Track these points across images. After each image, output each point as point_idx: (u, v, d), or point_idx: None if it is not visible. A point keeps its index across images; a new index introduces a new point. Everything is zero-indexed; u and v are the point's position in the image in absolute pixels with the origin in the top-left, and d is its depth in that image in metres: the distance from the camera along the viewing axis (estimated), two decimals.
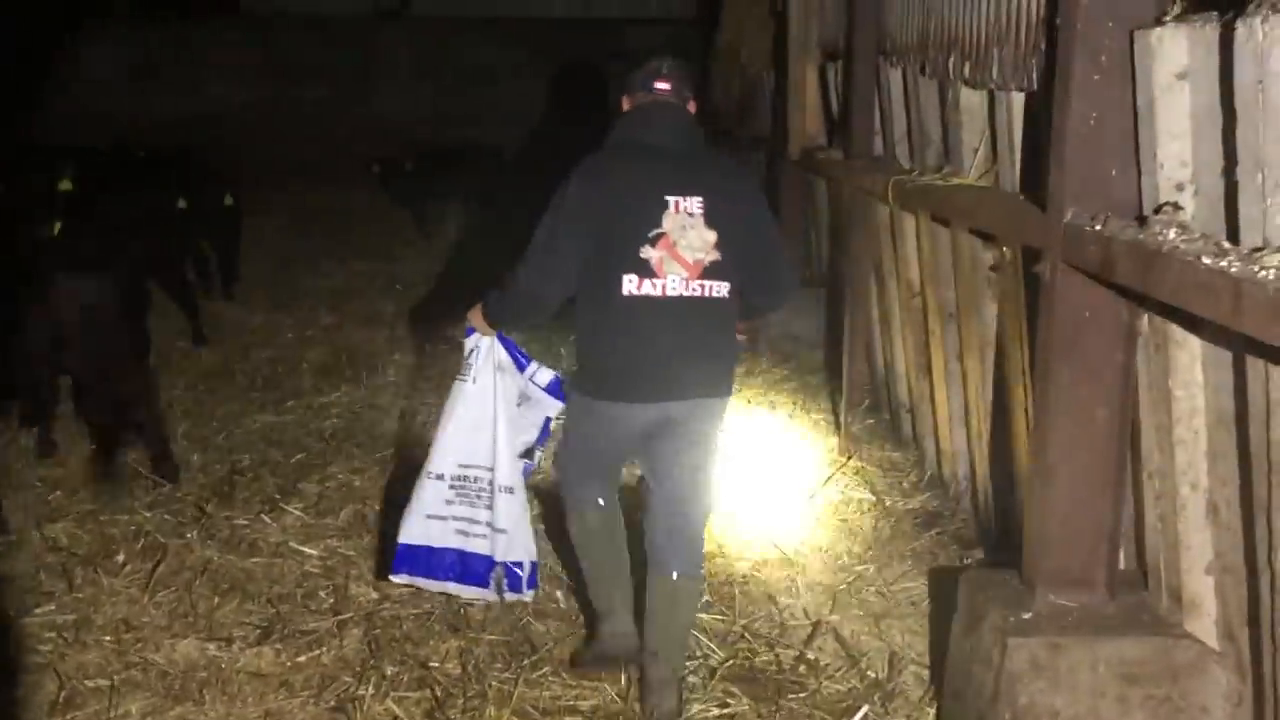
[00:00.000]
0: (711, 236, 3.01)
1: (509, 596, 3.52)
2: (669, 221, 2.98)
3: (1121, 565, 3.06)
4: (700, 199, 3.00)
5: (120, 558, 4.13)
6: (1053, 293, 2.81)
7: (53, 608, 3.78)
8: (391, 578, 3.59)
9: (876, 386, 5.77)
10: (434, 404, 5.93)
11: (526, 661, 3.54)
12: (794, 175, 6.56)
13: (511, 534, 3.42)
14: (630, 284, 2.98)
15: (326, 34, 13.09)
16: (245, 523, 4.46)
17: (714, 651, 3.64)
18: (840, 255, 5.60)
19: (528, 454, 3.50)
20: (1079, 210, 2.73)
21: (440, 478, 3.44)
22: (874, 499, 4.78)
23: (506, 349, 3.40)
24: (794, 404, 5.99)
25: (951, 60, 3.87)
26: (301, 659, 3.53)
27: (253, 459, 5.21)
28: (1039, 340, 2.91)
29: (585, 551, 3.46)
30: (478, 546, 3.46)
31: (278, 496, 4.74)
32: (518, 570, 3.45)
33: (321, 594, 3.95)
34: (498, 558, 3.45)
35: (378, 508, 4.63)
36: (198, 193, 7.81)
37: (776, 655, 3.64)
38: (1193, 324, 2.58)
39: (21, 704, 3.25)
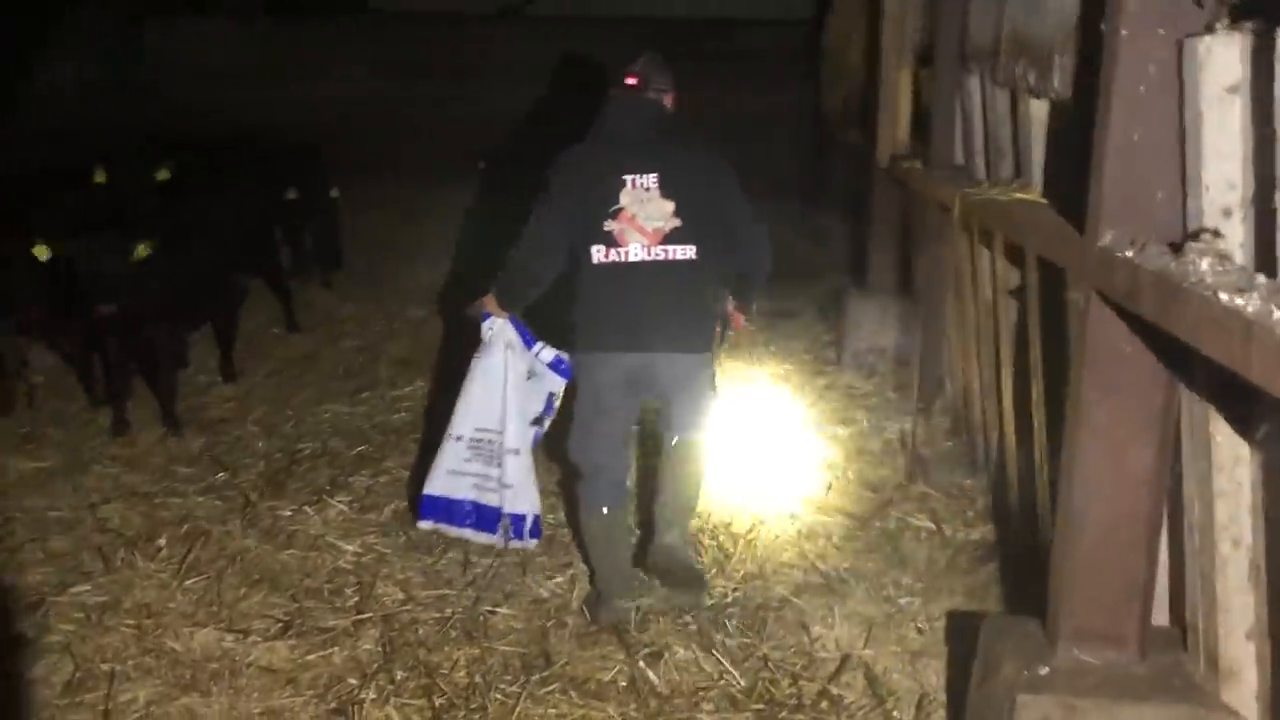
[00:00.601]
0: (669, 206, 3.48)
1: (514, 543, 4.00)
2: (626, 197, 3.48)
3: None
4: (655, 175, 3.48)
5: (161, 542, 4.21)
6: (1086, 322, 2.58)
7: (87, 588, 3.87)
8: (419, 524, 4.13)
9: (956, 408, 5.50)
10: None
11: (537, 676, 3.46)
12: (884, 183, 6.32)
13: (517, 489, 3.92)
14: (599, 254, 3.51)
15: (448, 31, 13.25)
16: (289, 513, 4.50)
17: (734, 679, 3.50)
18: (920, 269, 5.36)
19: (537, 422, 4.02)
20: (1118, 234, 2.50)
21: (459, 439, 3.99)
22: (933, 527, 4.54)
23: (517, 330, 3.92)
24: (868, 422, 5.75)
25: (1019, 67, 3.62)
26: (312, 657, 3.52)
27: (314, 449, 5.26)
28: (1071, 373, 2.67)
29: (591, 541, 3.86)
30: (489, 499, 3.99)
31: (327, 488, 4.77)
32: (521, 521, 3.96)
33: (348, 591, 3.95)
34: (505, 509, 3.94)
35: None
36: (307, 185, 8.01)
37: (799, 688, 3.47)
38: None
39: (36, 683, 3.32)
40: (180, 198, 6.57)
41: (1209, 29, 2.33)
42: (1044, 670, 2.64)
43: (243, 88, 12.74)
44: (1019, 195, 3.65)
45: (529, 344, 3.93)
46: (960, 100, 4.74)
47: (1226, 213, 2.32)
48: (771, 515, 4.60)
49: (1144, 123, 2.46)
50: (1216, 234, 2.25)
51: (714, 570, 4.17)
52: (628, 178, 3.48)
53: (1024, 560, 4.15)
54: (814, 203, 10.09)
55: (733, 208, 3.61)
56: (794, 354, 6.93)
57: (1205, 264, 2.15)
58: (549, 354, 3.93)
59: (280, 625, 3.70)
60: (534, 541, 4.07)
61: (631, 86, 3.66)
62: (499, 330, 3.88)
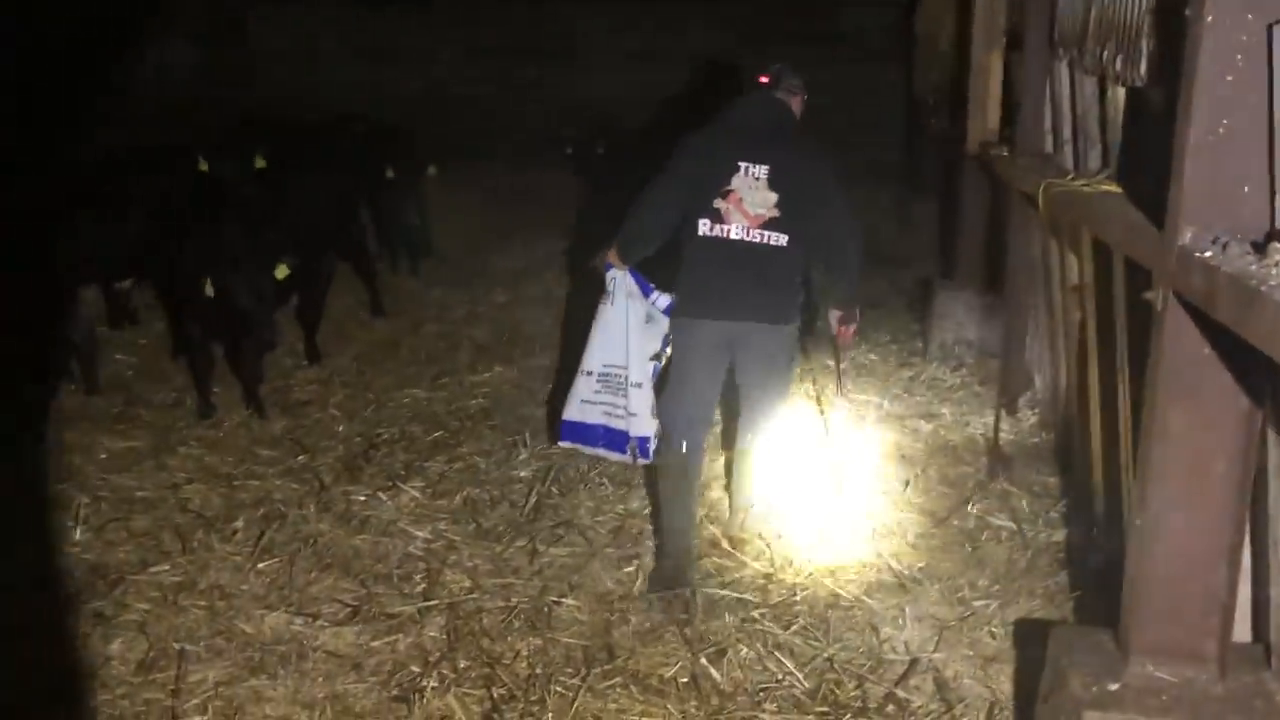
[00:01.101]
0: (773, 197, 3.86)
1: (641, 461, 4.35)
2: (737, 181, 3.87)
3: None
4: (767, 167, 3.86)
5: (239, 524, 4.30)
6: (1164, 325, 2.45)
7: (166, 567, 3.98)
8: (560, 444, 4.51)
9: (1044, 404, 5.33)
10: None
11: (598, 670, 3.45)
12: (973, 170, 6.13)
13: (640, 416, 4.27)
14: (704, 226, 3.90)
15: (540, 15, 13.28)
16: (364, 498, 4.56)
17: (798, 680, 3.44)
18: (1007, 260, 5.20)
19: (655, 358, 4.36)
20: (1199, 232, 2.37)
21: (590, 374, 4.39)
22: (1014, 527, 4.41)
23: (635, 280, 4.28)
24: (954, 416, 5.60)
25: (1106, 53, 3.46)
26: (378, 643, 3.56)
27: (391, 434, 5.33)
28: (1148, 378, 2.55)
29: (662, 489, 4.12)
30: (618, 424, 4.34)
31: (402, 473, 4.83)
32: (645, 442, 4.27)
33: (416, 578, 3.99)
34: (631, 433, 4.29)
35: (492, 493, 4.65)
36: (400, 168, 8.14)
37: (864, 691, 3.40)
38: None
39: (111, 660, 3.42)
40: (273, 183, 6.72)
41: None
42: (1114, 686, 2.53)
43: (338, 72, 12.99)
44: (1104, 187, 3.49)
45: (646, 292, 4.30)
46: (1050, 87, 4.57)
47: None
48: (847, 510, 4.52)
49: (1229, 113, 2.32)
50: None
51: (781, 564, 4.11)
52: (742, 164, 3.86)
53: (1107, 566, 4.00)
54: (909, 189, 9.88)
55: (829, 208, 3.93)
56: (880, 344, 6.79)
57: None
58: (664, 300, 4.26)
59: (349, 610, 3.75)
60: (648, 460, 4.42)
61: (763, 84, 4.08)
62: (620, 280, 4.28)
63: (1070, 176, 3.97)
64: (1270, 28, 2.22)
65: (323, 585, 3.91)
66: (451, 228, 9.52)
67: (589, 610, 3.80)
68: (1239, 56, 2.29)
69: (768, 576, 4.03)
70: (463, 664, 3.46)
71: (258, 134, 8.63)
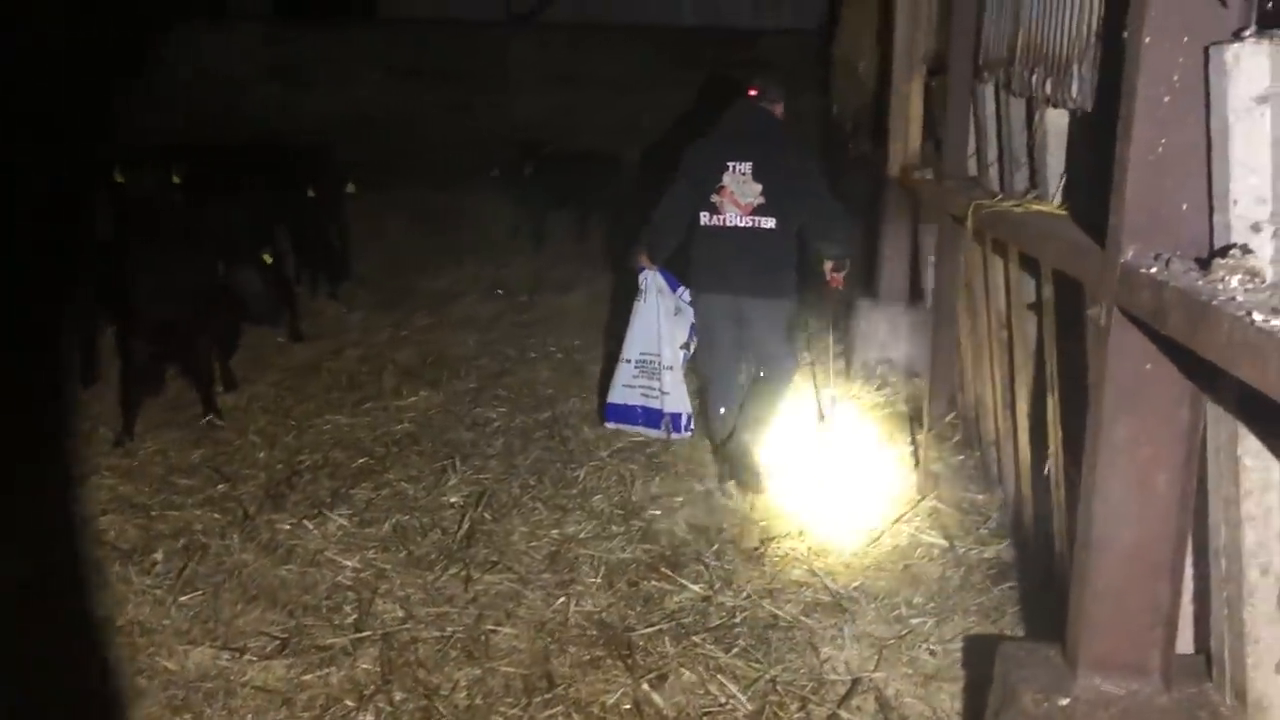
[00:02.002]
0: (758, 188, 4.66)
1: (674, 436, 5.21)
2: (727, 178, 4.69)
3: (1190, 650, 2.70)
4: (750, 163, 4.65)
5: (158, 555, 4.13)
6: (1107, 340, 2.48)
7: (80, 603, 3.78)
8: (607, 425, 5.40)
9: (967, 422, 5.40)
10: (506, 412, 5.88)
11: (539, 699, 3.38)
12: (895, 193, 6.23)
13: (673, 394, 5.16)
14: (705, 218, 4.75)
15: (459, 38, 13.20)
16: (288, 527, 4.42)
17: (741, 703, 3.40)
18: (931, 281, 5.26)
19: (684, 346, 5.19)
20: (1141, 249, 2.41)
21: (629, 361, 5.25)
22: (945, 544, 4.44)
23: (664, 277, 5.14)
24: (880, 434, 5.65)
25: (1035, 76, 3.53)
26: (309, 677, 3.43)
27: (315, 460, 5.19)
28: (1091, 392, 2.58)
29: (713, 426, 5.09)
30: (653, 404, 5.22)
31: (328, 501, 4.70)
32: (678, 418, 5.14)
33: (347, 608, 3.87)
34: (665, 410, 5.14)
35: (423, 520, 4.54)
36: (320, 188, 8.01)
37: (807, 712, 3.37)
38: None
39: (23, 705, 3.24)
40: (194, 200, 6.55)
41: (1236, 36, 2.24)
42: (1064, 701, 2.55)
43: (256, 94, 12.74)
44: (1035, 207, 3.55)
45: (674, 287, 5.10)
46: (974, 110, 4.65)
47: (1256, 228, 2.22)
48: (780, 530, 4.51)
49: (1168, 133, 2.37)
50: (1246, 250, 2.15)
51: (719, 586, 4.08)
52: (730, 164, 4.67)
53: (1039, 580, 4.06)
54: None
55: (809, 192, 4.68)
56: (802, 364, 6.83)
57: (1235, 282, 2.06)
58: (689, 294, 4.99)
59: (277, 643, 3.62)
60: (689, 434, 5.31)
61: (751, 96, 4.82)
62: (651, 279, 5.10)
63: (998, 197, 4.04)
64: (1207, 49, 2.27)
65: (249, 618, 3.76)
66: (373, 250, 9.40)
67: (527, 638, 3.72)
68: (1176, 77, 2.34)
69: (707, 599, 4.00)
70: (399, 696, 3.35)
71: (175, 154, 8.43)
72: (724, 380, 4.98)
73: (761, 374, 4.95)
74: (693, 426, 5.35)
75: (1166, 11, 2.31)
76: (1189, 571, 2.66)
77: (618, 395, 5.27)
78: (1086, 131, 3.17)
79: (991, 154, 4.48)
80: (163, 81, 12.27)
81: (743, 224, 4.67)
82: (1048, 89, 3.41)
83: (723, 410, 4.98)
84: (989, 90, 4.38)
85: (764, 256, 4.69)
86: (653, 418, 5.23)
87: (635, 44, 13.16)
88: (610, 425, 5.32)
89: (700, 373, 5.09)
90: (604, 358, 6.92)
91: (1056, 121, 3.55)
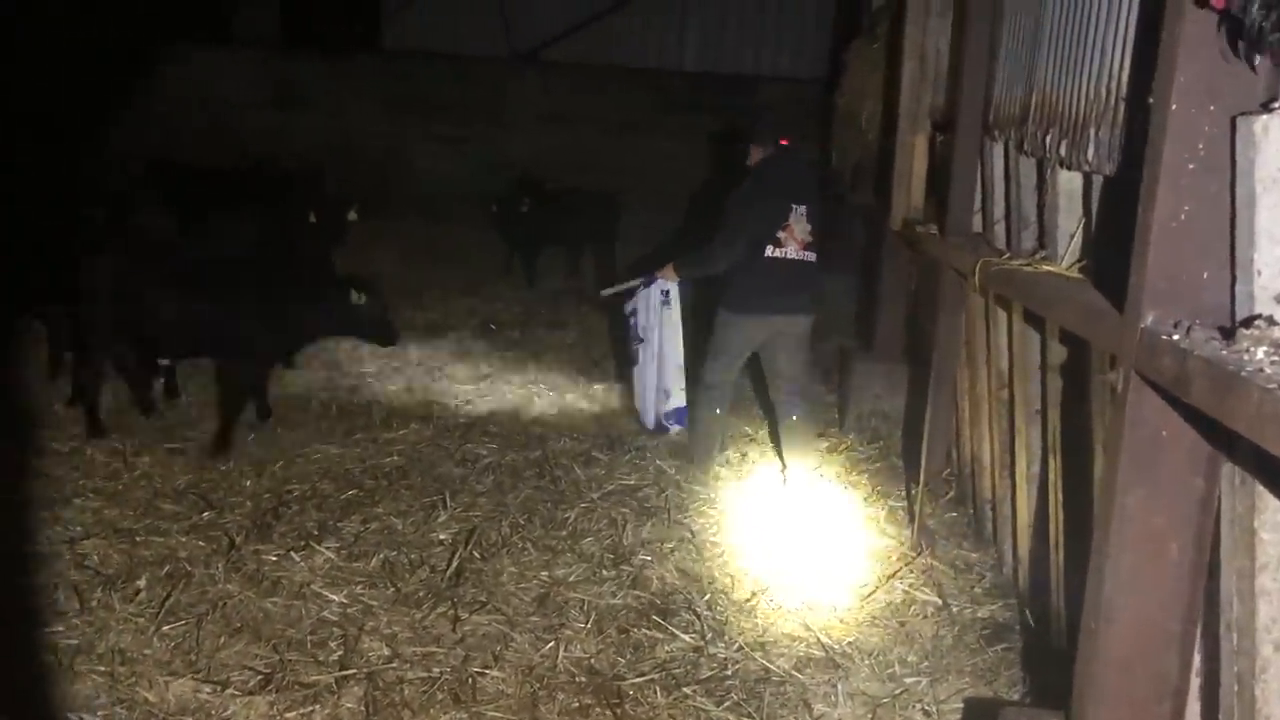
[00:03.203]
0: (810, 227, 5.38)
1: (677, 427, 5.94)
2: (791, 218, 5.34)
3: None
4: (806, 206, 5.37)
5: (141, 583, 4.04)
6: (1125, 406, 2.46)
7: (59, 628, 3.70)
8: (670, 428, 5.98)
9: (962, 478, 5.37)
10: (497, 449, 5.82)
11: None
12: (896, 246, 6.24)
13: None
14: (771, 250, 5.33)
15: (462, 74, 13.25)
16: (274, 558, 4.34)
17: None
18: (931, 336, 5.25)
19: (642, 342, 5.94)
20: (1161, 315, 2.39)
21: (678, 366, 5.82)
22: (939, 603, 4.40)
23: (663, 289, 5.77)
24: (872, 488, 5.62)
25: (1049, 137, 3.54)
26: (292, 714, 3.36)
27: (302, 490, 5.11)
28: (1107, 457, 2.55)
29: (695, 429, 5.74)
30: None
31: (315, 533, 4.62)
32: (683, 412, 5.89)
33: (332, 644, 3.79)
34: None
35: (411, 556, 4.47)
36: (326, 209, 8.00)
37: None
38: None
39: None
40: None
41: (1265, 107, 2.24)
42: None
43: (253, 118, 12.74)
44: (1046, 267, 3.55)
45: (651, 282, 5.76)
46: (981, 167, 4.66)
47: None
48: (773, 583, 4.46)
49: (1191, 201, 2.37)
50: (1272, 321, 2.14)
51: (711, 636, 4.02)
52: (793, 206, 5.32)
53: (1036, 644, 4.01)
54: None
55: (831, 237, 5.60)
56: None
57: (1261, 353, 2.04)
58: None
59: (260, 678, 3.53)
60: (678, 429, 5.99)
61: (786, 146, 5.46)
62: (672, 290, 5.72)
63: (1005, 256, 4.04)
64: (1234, 119, 2.27)
65: (232, 650, 3.67)
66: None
67: (515, 683, 3.65)
68: (1201, 145, 2.34)
69: (698, 650, 3.94)
70: None
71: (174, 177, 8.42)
72: (724, 389, 5.61)
73: (794, 417, 5.53)
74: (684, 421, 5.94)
75: (1194, 79, 2.31)
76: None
77: (679, 399, 5.87)
78: (1100, 194, 3.16)
79: (998, 212, 4.49)
80: (159, 100, 12.28)
81: (796, 257, 5.36)
82: (1062, 150, 3.41)
83: (718, 411, 5.63)
84: (998, 148, 4.39)
85: (805, 282, 5.41)
86: (681, 415, 5.92)
87: (635, 86, 13.24)
88: (675, 428, 5.94)
89: (705, 380, 5.55)
90: (594, 396, 6.92)
91: (1069, 183, 3.55)
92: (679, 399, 5.84)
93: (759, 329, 5.41)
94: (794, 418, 5.52)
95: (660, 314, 5.75)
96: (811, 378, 5.61)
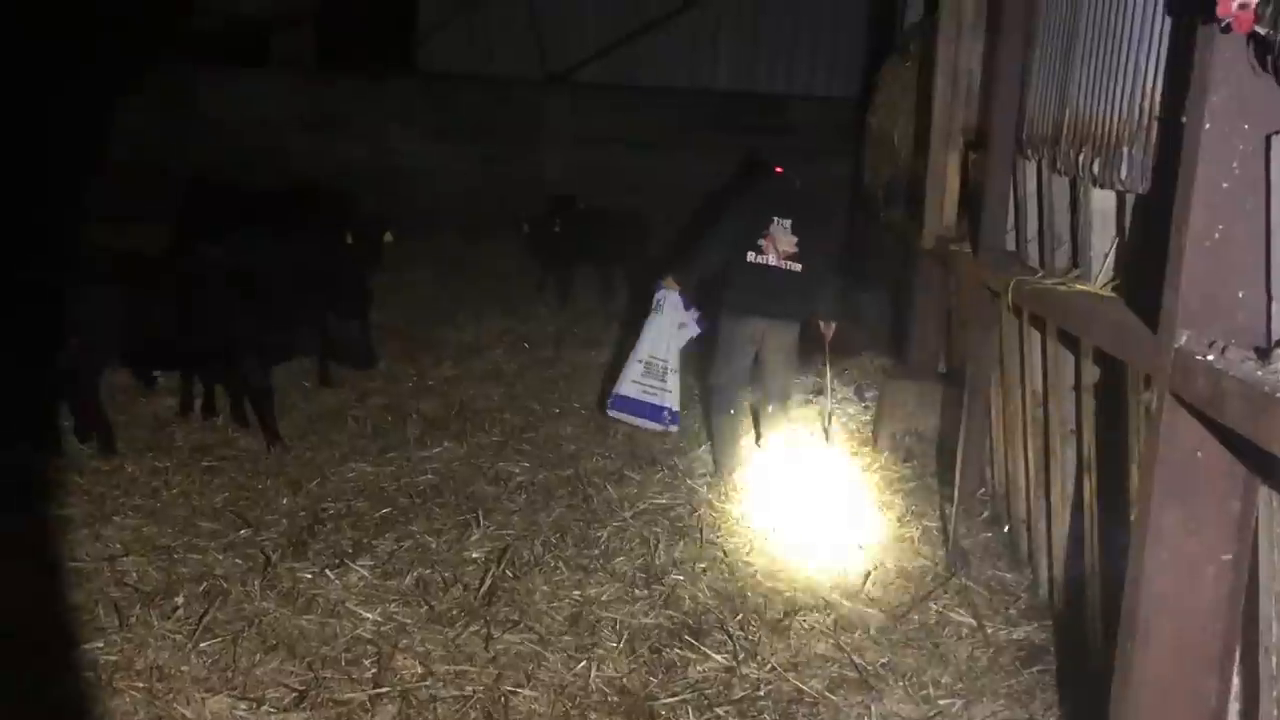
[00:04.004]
0: (794, 239, 5.70)
1: (671, 428, 6.11)
2: (773, 228, 5.71)
3: None
4: (790, 220, 5.71)
5: (179, 599, 4.09)
6: (1159, 426, 2.45)
7: (99, 645, 3.75)
8: (609, 413, 6.19)
9: (997, 498, 5.33)
10: (530, 467, 5.85)
11: None
12: (929, 264, 6.22)
13: (673, 393, 6.05)
14: (751, 256, 5.71)
15: (496, 95, 13.36)
16: (310, 576, 4.38)
17: None
18: (965, 355, 5.23)
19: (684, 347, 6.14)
20: (1195, 335, 2.38)
21: (640, 361, 6.06)
22: (974, 624, 4.36)
23: (680, 299, 6.02)
24: (906, 508, 5.58)
25: (1082, 155, 3.52)
26: None
27: (337, 509, 5.16)
28: (1142, 477, 2.54)
29: (717, 431, 6.01)
30: (655, 400, 6.05)
31: (350, 551, 4.66)
32: (676, 414, 6.06)
33: (366, 662, 3.81)
34: (665, 405, 6.03)
35: (444, 575, 4.49)
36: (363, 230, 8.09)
37: None
38: None
39: None
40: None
41: None
42: None
43: (289, 140, 12.91)
44: (1079, 286, 3.53)
45: (686, 307, 6.02)
46: (1014, 186, 4.65)
47: None
48: (807, 603, 4.44)
49: (1225, 220, 2.35)
50: None
51: (744, 657, 4.01)
52: (775, 218, 5.71)
53: (1072, 666, 3.97)
54: (853, 280, 10.00)
55: (824, 256, 5.84)
56: (829, 432, 6.82)
57: None
58: (694, 313, 6.00)
59: (295, 695, 3.56)
60: (675, 427, 6.17)
61: (779, 173, 5.96)
62: (669, 297, 6.02)
63: (1039, 275, 4.02)
64: (1269, 138, 2.26)
65: (267, 668, 3.71)
66: (400, 300, 9.42)
67: (547, 702, 3.66)
68: (1235, 164, 2.33)
69: (730, 670, 3.93)
70: None
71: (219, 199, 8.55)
72: (730, 389, 5.92)
73: (770, 409, 6.01)
74: (679, 420, 6.20)
75: (1228, 98, 2.30)
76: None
77: (626, 389, 6.09)
78: (1134, 212, 3.15)
79: (1031, 230, 4.47)
80: (196, 121, 12.48)
81: (778, 265, 5.70)
82: (1095, 169, 3.40)
83: (733, 412, 5.95)
84: (1031, 167, 4.38)
85: (788, 290, 5.72)
86: (655, 412, 6.08)
87: (667, 106, 13.29)
88: (613, 414, 6.15)
89: (709, 382, 5.99)
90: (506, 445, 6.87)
91: (1102, 201, 3.54)
92: (624, 388, 6.11)
93: (747, 329, 5.80)
94: (770, 409, 6.02)
95: (651, 317, 6.12)
96: (790, 381, 6.09)
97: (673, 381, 6.03)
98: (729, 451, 5.92)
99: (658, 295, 6.08)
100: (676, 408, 6.07)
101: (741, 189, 5.99)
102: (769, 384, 5.99)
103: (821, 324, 6.03)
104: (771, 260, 5.69)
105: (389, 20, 13.59)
